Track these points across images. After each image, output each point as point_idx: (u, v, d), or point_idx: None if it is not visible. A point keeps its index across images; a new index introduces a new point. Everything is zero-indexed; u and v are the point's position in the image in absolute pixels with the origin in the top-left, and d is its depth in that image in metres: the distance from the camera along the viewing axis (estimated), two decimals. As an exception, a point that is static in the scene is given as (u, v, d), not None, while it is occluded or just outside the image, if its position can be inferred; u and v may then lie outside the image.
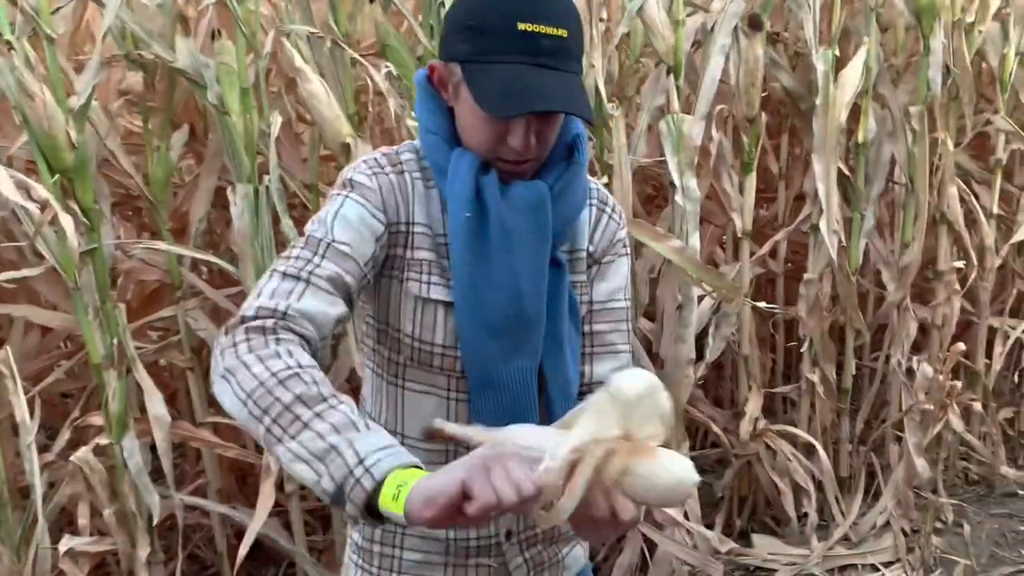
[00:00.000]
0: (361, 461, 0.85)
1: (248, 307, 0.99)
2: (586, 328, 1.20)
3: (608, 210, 1.22)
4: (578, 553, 1.31)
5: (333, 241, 1.04)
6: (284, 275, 1.01)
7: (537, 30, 1.02)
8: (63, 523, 2.33)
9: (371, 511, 0.86)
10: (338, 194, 1.09)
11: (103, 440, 2.01)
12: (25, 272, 1.93)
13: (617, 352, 1.21)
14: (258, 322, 0.96)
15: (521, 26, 1.02)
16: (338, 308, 1.02)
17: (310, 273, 1.01)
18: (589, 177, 1.21)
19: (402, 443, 0.98)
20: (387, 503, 0.84)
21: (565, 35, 1.04)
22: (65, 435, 2.08)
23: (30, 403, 2.00)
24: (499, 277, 1.08)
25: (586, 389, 1.18)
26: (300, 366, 0.92)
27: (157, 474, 2.18)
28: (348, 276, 1.03)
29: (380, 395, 1.18)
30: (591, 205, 1.21)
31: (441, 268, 1.11)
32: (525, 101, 1.01)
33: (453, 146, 1.10)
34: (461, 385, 1.14)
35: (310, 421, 0.88)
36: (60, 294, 2.20)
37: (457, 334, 1.10)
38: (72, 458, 1.99)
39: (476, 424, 1.02)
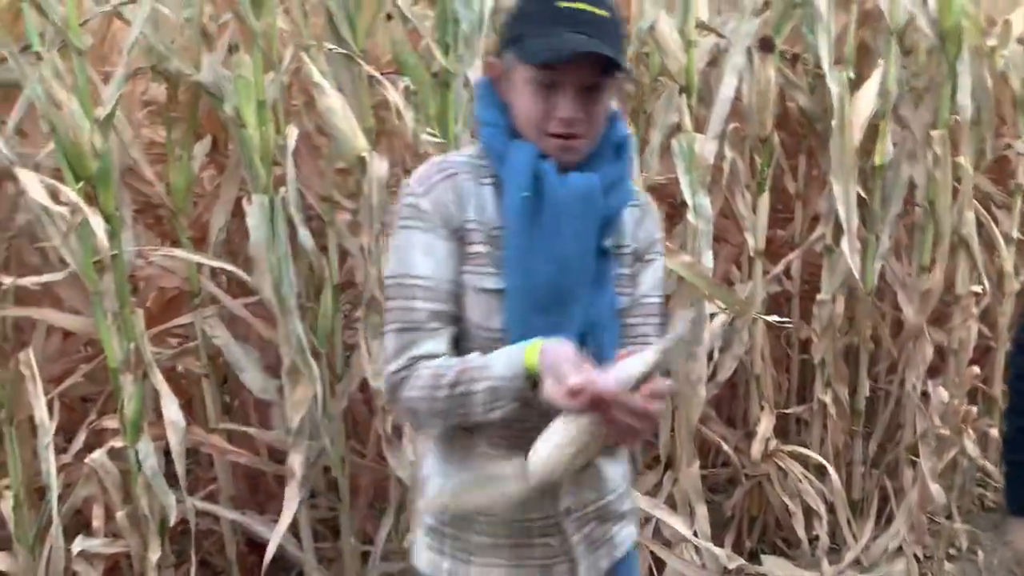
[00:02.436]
0: (509, 378, 1.11)
1: (385, 378, 1.22)
2: (621, 322, 1.27)
3: (650, 212, 1.32)
4: (628, 532, 1.39)
5: (418, 281, 1.18)
6: (397, 332, 1.20)
7: (576, 7, 1.13)
8: (79, 524, 2.38)
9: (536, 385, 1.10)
10: (403, 226, 1.21)
11: (118, 443, 2.05)
12: (47, 277, 1.98)
13: (649, 344, 1.28)
14: (396, 379, 1.20)
15: (561, 4, 1.13)
16: (445, 338, 1.20)
17: (411, 321, 1.19)
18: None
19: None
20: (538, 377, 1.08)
21: (607, 15, 1.14)
22: (81, 437, 2.12)
23: (49, 405, 2.05)
24: (549, 252, 1.17)
25: None
26: (435, 368, 1.16)
27: (170, 479, 2.21)
28: (443, 305, 1.19)
29: None
30: (635, 206, 1.29)
31: (493, 260, 1.20)
32: (566, 48, 1.11)
33: (510, 136, 1.20)
34: None
35: (469, 389, 1.14)
36: (81, 298, 2.24)
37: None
38: (87, 460, 2.03)
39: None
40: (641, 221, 1.29)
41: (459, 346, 1.24)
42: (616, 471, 1.37)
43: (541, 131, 1.18)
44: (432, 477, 1.32)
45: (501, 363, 1.13)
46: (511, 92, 1.20)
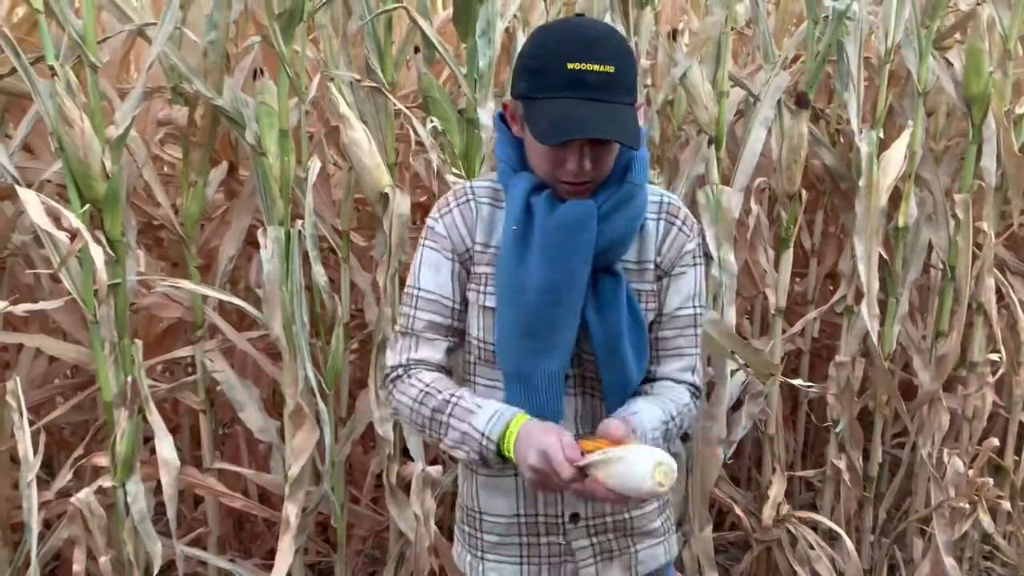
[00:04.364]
0: (483, 434, 1.21)
1: (385, 367, 1.35)
2: (654, 335, 1.34)
3: (678, 223, 1.33)
4: (657, 552, 1.42)
5: (420, 292, 1.31)
6: (401, 334, 1.33)
7: (585, 68, 1.16)
8: (51, 560, 2.22)
9: (504, 458, 1.20)
10: (421, 244, 1.33)
11: (106, 482, 1.92)
12: (44, 305, 1.86)
13: (682, 354, 1.36)
14: (393, 375, 1.32)
15: (570, 65, 1.16)
16: (441, 348, 1.32)
17: (413, 328, 1.31)
18: (661, 191, 1.36)
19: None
20: (508, 454, 1.19)
21: (612, 71, 1.17)
22: (67, 475, 1.98)
23: (34, 436, 1.91)
24: (537, 281, 1.22)
25: (650, 380, 1.36)
26: (427, 385, 1.27)
27: (155, 518, 2.08)
28: (440, 318, 1.31)
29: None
30: (660, 219, 1.32)
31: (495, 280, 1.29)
32: (570, 130, 1.16)
33: (517, 170, 1.28)
34: None
35: (448, 421, 1.24)
36: (75, 324, 2.12)
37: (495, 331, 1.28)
38: (73, 500, 1.89)
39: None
40: (667, 233, 1.32)
41: (462, 359, 1.37)
42: None
43: (553, 179, 1.25)
44: (463, 480, 1.43)
45: (484, 418, 1.21)
46: (522, 132, 1.26)
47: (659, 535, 1.42)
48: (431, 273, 1.30)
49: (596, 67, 1.15)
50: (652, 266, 1.31)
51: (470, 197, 1.32)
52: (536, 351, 1.23)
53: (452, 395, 1.25)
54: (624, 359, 1.26)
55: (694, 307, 1.35)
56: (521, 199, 1.24)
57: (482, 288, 1.29)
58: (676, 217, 1.32)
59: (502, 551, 1.37)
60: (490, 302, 1.28)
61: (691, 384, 1.37)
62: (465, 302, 1.32)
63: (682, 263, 1.32)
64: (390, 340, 1.35)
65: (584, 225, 1.21)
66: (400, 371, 1.31)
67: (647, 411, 1.25)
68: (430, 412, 1.25)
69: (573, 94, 1.16)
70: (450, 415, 1.23)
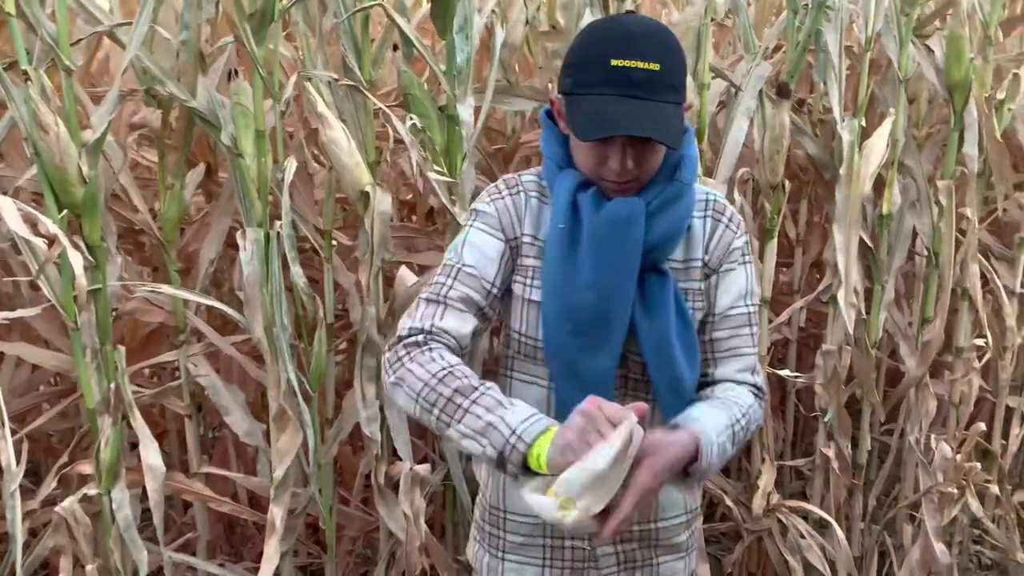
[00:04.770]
0: (513, 431, 1.08)
1: (402, 328, 1.23)
2: (708, 336, 1.31)
3: (724, 220, 1.31)
4: (677, 567, 1.39)
5: (462, 266, 1.25)
6: (427, 301, 1.25)
7: (628, 64, 1.13)
8: (39, 569, 2.21)
9: (526, 468, 1.08)
10: (467, 224, 1.30)
11: (91, 490, 1.90)
12: (21, 312, 1.84)
13: (740, 355, 1.32)
14: (412, 339, 1.21)
15: (614, 62, 1.14)
16: (470, 324, 1.24)
17: (445, 296, 1.24)
18: (707, 189, 1.34)
19: None
20: (535, 463, 1.06)
21: (657, 68, 1.14)
22: (51, 483, 1.97)
23: (17, 446, 1.90)
24: (586, 279, 1.20)
25: (711, 384, 1.31)
26: (451, 365, 1.16)
27: (142, 525, 2.06)
28: (476, 294, 1.24)
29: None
30: (706, 216, 1.31)
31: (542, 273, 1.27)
32: (606, 126, 1.14)
33: (563, 167, 1.26)
34: None
35: (469, 407, 1.12)
36: (56, 331, 2.10)
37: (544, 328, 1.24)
38: (57, 509, 1.87)
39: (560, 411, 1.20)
40: (714, 231, 1.30)
41: (501, 353, 1.34)
42: (676, 499, 1.35)
43: (597, 177, 1.23)
44: (488, 477, 1.39)
45: (519, 415, 1.10)
46: (568, 129, 1.24)
47: (682, 550, 1.40)
48: (475, 252, 1.26)
49: (640, 64, 1.13)
50: (699, 264, 1.29)
51: (521, 188, 1.30)
52: (586, 348, 1.21)
53: (482, 383, 1.15)
54: (674, 358, 1.23)
55: (747, 305, 1.32)
56: (567, 196, 1.23)
57: (528, 281, 1.27)
58: (723, 215, 1.31)
59: (524, 552, 1.35)
60: (535, 295, 1.26)
61: (753, 385, 1.32)
62: (504, 290, 1.29)
63: (730, 259, 1.30)
64: (409, 307, 1.26)
65: (632, 223, 1.20)
66: (420, 336, 1.20)
67: (708, 416, 1.20)
68: (450, 392, 1.13)
69: (614, 90, 1.14)
70: (474, 402, 1.12)
